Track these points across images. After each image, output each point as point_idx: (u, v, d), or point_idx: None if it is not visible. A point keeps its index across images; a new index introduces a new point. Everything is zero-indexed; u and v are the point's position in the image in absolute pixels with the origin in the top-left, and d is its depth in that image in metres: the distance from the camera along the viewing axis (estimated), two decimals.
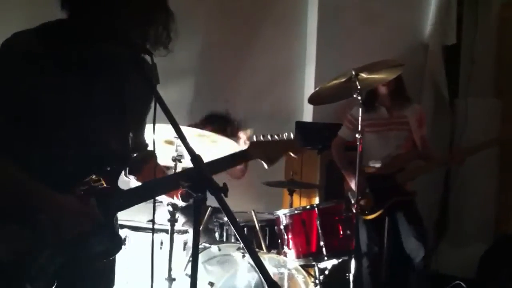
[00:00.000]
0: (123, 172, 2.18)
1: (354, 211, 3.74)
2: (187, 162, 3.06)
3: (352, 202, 3.95)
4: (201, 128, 4.09)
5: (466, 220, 5.75)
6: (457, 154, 4.50)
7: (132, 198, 2.04)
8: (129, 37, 1.85)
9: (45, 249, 1.85)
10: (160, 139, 3.10)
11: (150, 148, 2.24)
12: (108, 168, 1.99)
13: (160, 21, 1.89)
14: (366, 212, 4.25)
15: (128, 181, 2.24)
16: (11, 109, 1.84)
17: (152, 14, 1.88)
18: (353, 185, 4.19)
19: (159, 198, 2.23)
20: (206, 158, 1.79)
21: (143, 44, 1.86)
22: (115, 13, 1.83)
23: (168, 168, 3.07)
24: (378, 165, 4.34)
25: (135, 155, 2.17)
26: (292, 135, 2.47)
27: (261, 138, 2.43)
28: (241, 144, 3.84)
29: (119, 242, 2.02)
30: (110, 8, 1.83)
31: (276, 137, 2.44)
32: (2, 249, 1.82)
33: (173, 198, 2.25)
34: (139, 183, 2.22)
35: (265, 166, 2.42)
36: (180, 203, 2.29)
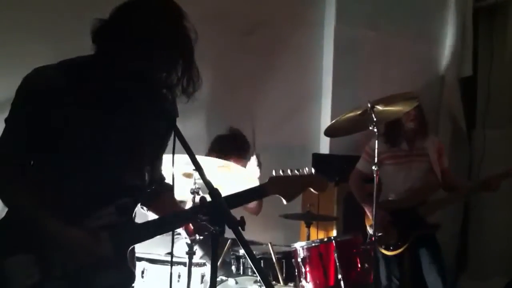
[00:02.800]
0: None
1: (375, 245, 3.71)
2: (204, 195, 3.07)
3: (373, 236, 3.93)
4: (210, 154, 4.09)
5: (486, 253, 5.68)
6: (492, 179, 4.38)
7: (146, 232, 2.05)
8: (151, 74, 1.88)
9: (53, 280, 1.86)
10: (179, 172, 3.12)
11: (168, 180, 2.26)
12: (122, 201, 2.01)
13: (183, 69, 1.91)
14: (391, 248, 4.22)
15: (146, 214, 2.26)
16: (29, 142, 1.88)
17: (176, 61, 1.90)
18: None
19: (177, 230, 2.23)
20: (225, 187, 1.80)
21: (165, 81, 1.89)
22: (139, 54, 1.86)
23: (182, 202, 3.07)
24: (397, 198, 4.32)
25: (151, 187, 2.18)
26: (313, 171, 2.43)
27: (281, 173, 2.38)
28: (251, 166, 3.83)
29: (130, 276, 2.02)
30: (134, 48, 1.86)
31: (296, 172, 2.40)
32: (15, 279, 1.84)
33: (190, 234, 2.24)
34: (154, 215, 2.24)
35: (284, 202, 2.37)
36: (186, 238, 2.29)
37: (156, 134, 2.09)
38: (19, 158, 1.90)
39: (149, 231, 2.05)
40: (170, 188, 2.19)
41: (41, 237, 1.87)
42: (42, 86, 1.88)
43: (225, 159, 3.58)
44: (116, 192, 2.00)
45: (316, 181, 2.43)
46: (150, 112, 2.01)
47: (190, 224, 2.17)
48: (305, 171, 2.42)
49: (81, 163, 1.93)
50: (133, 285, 2.07)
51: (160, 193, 2.23)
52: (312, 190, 2.44)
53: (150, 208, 2.25)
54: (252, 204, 4.22)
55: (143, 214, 2.23)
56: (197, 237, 2.25)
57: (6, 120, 1.92)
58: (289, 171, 2.39)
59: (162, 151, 2.17)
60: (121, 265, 1.99)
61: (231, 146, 4.18)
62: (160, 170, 2.24)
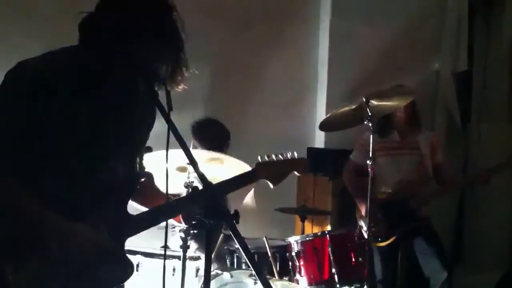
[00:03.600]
0: None
1: (366, 238, 3.72)
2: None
3: (365, 229, 3.94)
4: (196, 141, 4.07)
5: (481, 246, 5.69)
6: (484, 172, 4.39)
7: (142, 223, 2.06)
8: (143, 66, 1.88)
9: (57, 277, 1.85)
10: (173, 166, 3.12)
11: (162, 174, 2.26)
12: (118, 193, 2.01)
13: (173, 57, 1.91)
14: (379, 239, 4.23)
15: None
16: (21, 136, 1.84)
17: (166, 51, 1.90)
18: (364, 212, 4.17)
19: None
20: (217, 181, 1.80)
21: (156, 75, 1.89)
22: (129, 44, 1.86)
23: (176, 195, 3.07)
24: (389, 190, 4.33)
25: (142, 180, 2.19)
26: (296, 155, 2.52)
27: (266, 158, 2.48)
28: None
29: (131, 268, 2.03)
30: (124, 39, 1.86)
31: (280, 156, 2.50)
32: (17, 277, 1.83)
33: (179, 221, 2.27)
34: (135, 205, 2.24)
35: (271, 185, 2.47)
36: (183, 225, 2.31)
37: (145, 125, 2.11)
38: (11, 155, 1.84)
39: (145, 222, 2.06)
40: (151, 175, 2.21)
41: (39, 233, 1.84)
42: (29, 79, 1.84)
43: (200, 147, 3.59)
44: (112, 185, 2.00)
45: (298, 163, 2.54)
46: (140, 105, 2.01)
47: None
48: (288, 155, 2.52)
49: (75, 157, 1.91)
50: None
51: (145, 183, 2.23)
52: (295, 173, 2.53)
53: (135, 198, 2.24)
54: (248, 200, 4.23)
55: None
56: (192, 231, 2.26)
57: None
58: (273, 156, 2.49)
59: (145, 142, 2.19)
60: (120, 257, 2.00)
61: (207, 133, 4.15)
62: (142, 161, 2.24)
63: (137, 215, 2.09)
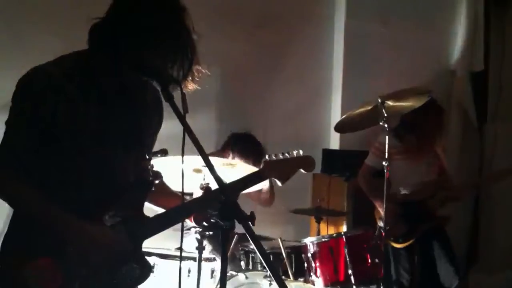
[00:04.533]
0: None
1: (385, 238, 3.71)
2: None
3: (383, 230, 3.93)
4: (222, 154, 4.10)
5: (496, 246, 5.65)
6: (490, 177, 4.41)
7: (158, 224, 2.08)
8: (156, 69, 1.88)
9: (78, 277, 1.86)
10: (189, 168, 3.13)
11: (169, 175, 2.27)
12: (131, 195, 2.02)
13: (186, 62, 1.92)
14: (400, 240, 4.21)
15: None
16: (35, 141, 1.87)
17: (178, 53, 1.91)
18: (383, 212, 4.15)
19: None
20: None
21: (170, 77, 1.89)
22: (141, 48, 1.87)
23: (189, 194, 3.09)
24: (407, 191, 4.32)
25: (157, 182, 2.20)
26: (301, 152, 2.53)
27: (273, 156, 2.49)
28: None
29: (148, 269, 2.05)
30: (136, 43, 1.87)
31: (287, 154, 2.51)
32: (38, 285, 1.84)
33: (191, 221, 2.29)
34: (152, 206, 2.25)
35: (279, 184, 2.49)
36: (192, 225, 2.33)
37: (153, 127, 2.14)
38: (25, 159, 1.87)
39: (161, 223, 2.09)
40: (160, 175, 2.22)
41: (60, 237, 1.86)
42: (43, 84, 1.86)
43: (238, 158, 3.61)
44: (127, 187, 2.01)
45: (305, 161, 2.55)
46: (149, 106, 2.03)
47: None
48: (294, 153, 2.53)
49: (90, 161, 1.94)
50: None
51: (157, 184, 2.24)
52: (302, 170, 2.55)
53: (150, 199, 2.25)
54: (265, 195, 4.22)
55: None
56: (207, 232, 2.27)
57: (7, 122, 1.90)
58: (280, 155, 2.50)
59: (154, 143, 2.22)
60: (139, 258, 2.02)
61: (247, 147, 4.19)
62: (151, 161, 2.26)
63: (154, 216, 2.10)
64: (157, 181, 2.18)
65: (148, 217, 2.08)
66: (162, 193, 2.22)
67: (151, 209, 2.23)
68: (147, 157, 2.14)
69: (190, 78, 1.95)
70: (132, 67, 1.89)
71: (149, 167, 2.14)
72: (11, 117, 1.90)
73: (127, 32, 1.86)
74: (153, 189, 2.17)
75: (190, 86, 1.96)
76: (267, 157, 2.49)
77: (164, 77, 1.87)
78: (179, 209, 2.13)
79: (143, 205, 2.10)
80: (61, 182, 1.92)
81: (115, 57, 1.89)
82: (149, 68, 1.87)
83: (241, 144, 4.25)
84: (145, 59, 1.88)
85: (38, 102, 1.86)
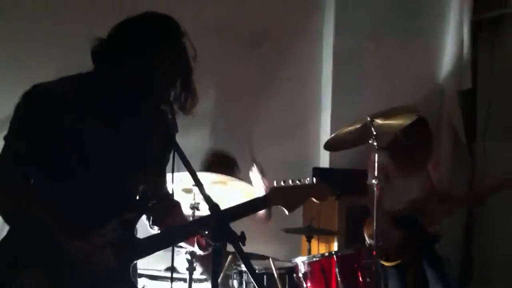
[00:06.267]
0: (147, 224, 2.19)
1: (372, 257, 3.70)
2: (204, 210, 3.06)
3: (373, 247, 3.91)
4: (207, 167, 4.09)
5: (491, 261, 5.64)
6: (478, 194, 4.43)
7: (149, 246, 2.05)
8: (154, 90, 1.88)
9: None
10: (179, 188, 3.12)
11: (174, 202, 2.25)
12: (128, 216, 2.01)
13: (182, 85, 1.93)
14: (389, 259, 4.20)
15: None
16: (31, 158, 1.88)
17: (175, 77, 1.92)
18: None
19: (187, 246, 2.23)
20: (221, 203, 1.79)
21: (164, 98, 1.90)
22: (141, 70, 1.88)
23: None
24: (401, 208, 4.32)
25: (153, 202, 2.17)
26: (314, 180, 2.44)
27: (282, 183, 2.40)
28: (254, 176, 3.79)
29: None
30: (136, 65, 1.88)
31: (297, 182, 2.41)
32: None
33: (193, 246, 2.24)
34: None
35: (286, 212, 2.39)
36: (199, 252, 2.28)
37: (157, 148, 2.10)
38: (21, 175, 1.89)
39: (152, 245, 2.06)
40: (178, 204, 2.19)
41: (48, 251, 1.86)
42: (44, 101, 1.89)
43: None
44: (121, 207, 2.01)
45: (317, 190, 2.45)
46: (151, 127, 2.02)
47: (202, 239, 2.18)
48: (306, 181, 2.43)
49: (85, 179, 1.93)
50: None
51: (171, 212, 2.21)
52: (313, 199, 2.45)
53: (162, 226, 2.23)
54: (261, 214, 4.19)
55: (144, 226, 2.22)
56: (201, 252, 2.24)
57: (5, 138, 1.92)
58: (290, 182, 2.40)
59: (164, 165, 2.17)
60: (125, 280, 1.99)
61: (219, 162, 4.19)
62: (165, 186, 2.23)
63: (146, 238, 2.08)
64: (153, 202, 2.16)
65: (138, 239, 2.06)
66: (177, 221, 2.18)
67: None
68: (148, 179, 2.11)
69: (187, 101, 1.94)
70: (132, 89, 1.90)
71: (150, 190, 2.11)
72: (10, 132, 1.92)
73: (127, 54, 1.89)
74: (158, 216, 2.17)
75: (190, 111, 1.96)
76: (275, 183, 2.40)
77: (158, 97, 1.88)
78: (172, 232, 2.11)
79: (134, 227, 2.08)
80: (54, 197, 1.92)
81: (117, 80, 1.91)
82: (147, 89, 1.89)
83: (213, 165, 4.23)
84: (143, 81, 1.89)
85: (39, 118, 1.88)
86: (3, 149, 1.91)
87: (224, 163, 4.20)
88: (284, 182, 2.40)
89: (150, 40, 1.89)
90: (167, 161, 2.12)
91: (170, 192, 2.07)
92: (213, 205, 1.73)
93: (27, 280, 1.84)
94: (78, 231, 1.89)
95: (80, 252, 1.87)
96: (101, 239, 1.94)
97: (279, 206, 2.38)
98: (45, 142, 1.87)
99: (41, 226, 1.87)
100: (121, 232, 1.99)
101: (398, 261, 4.21)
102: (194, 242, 2.22)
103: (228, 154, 4.36)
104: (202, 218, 2.15)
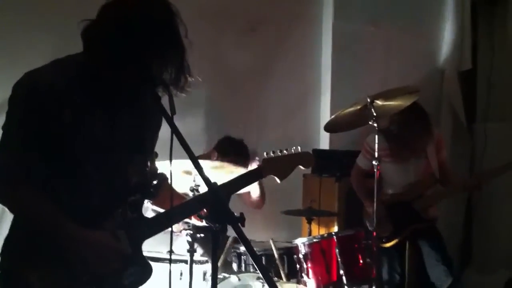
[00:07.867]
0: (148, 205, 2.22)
1: (372, 238, 3.71)
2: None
3: (370, 229, 3.93)
4: (215, 156, 4.11)
5: (491, 245, 5.67)
6: (476, 179, 4.42)
7: (157, 225, 2.08)
8: (147, 72, 1.88)
9: (81, 284, 1.87)
10: (179, 170, 3.13)
11: (163, 176, 2.28)
12: (132, 198, 2.02)
13: (176, 63, 1.92)
14: (384, 240, 4.22)
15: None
16: (35, 147, 1.86)
17: (169, 56, 1.90)
18: (370, 212, 4.15)
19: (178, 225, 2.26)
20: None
21: (159, 80, 1.89)
22: (133, 51, 1.86)
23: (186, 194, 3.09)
24: (394, 192, 4.32)
25: (154, 182, 2.20)
26: (299, 149, 2.53)
27: (272, 154, 2.50)
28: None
29: (150, 270, 2.07)
30: (128, 47, 1.85)
31: (285, 151, 2.52)
32: (43, 285, 1.84)
33: (198, 220, 2.29)
34: (155, 207, 2.26)
35: (278, 180, 2.49)
36: (198, 223, 2.32)
37: (153, 129, 2.14)
38: (23, 164, 1.86)
39: (160, 224, 2.09)
40: (165, 177, 2.24)
41: (61, 243, 1.86)
42: (40, 87, 1.86)
43: (223, 160, 3.62)
44: (126, 190, 2.02)
45: (303, 157, 2.55)
46: (148, 109, 2.02)
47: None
48: (292, 150, 2.53)
49: (88, 165, 1.93)
50: None
51: (162, 185, 2.26)
52: (301, 167, 2.54)
53: (156, 200, 2.28)
54: (255, 198, 4.22)
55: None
56: (198, 235, 2.27)
57: (3, 127, 1.90)
58: (278, 152, 2.51)
59: (155, 144, 2.21)
60: (140, 260, 2.04)
61: (233, 149, 4.21)
62: (154, 162, 2.26)
63: (153, 217, 2.12)
64: (154, 182, 2.19)
65: (146, 219, 2.09)
66: (167, 195, 2.21)
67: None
68: (147, 161, 2.14)
69: (181, 82, 1.93)
70: (126, 72, 1.88)
71: (149, 169, 2.15)
72: (8, 121, 1.89)
73: (118, 36, 1.84)
74: (153, 190, 2.20)
75: (183, 91, 1.95)
76: (265, 154, 2.49)
77: (153, 80, 1.87)
78: (178, 209, 2.13)
79: (141, 207, 2.10)
80: (60, 187, 1.92)
81: (109, 63, 1.88)
82: (141, 72, 1.87)
83: (227, 147, 4.25)
84: (137, 63, 1.87)
85: (36, 106, 1.85)
86: (3, 138, 1.89)
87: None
88: (273, 152, 2.51)
89: (141, 19, 1.85)
90: (157, 139, 2.19)
91: (168, 174, 2.08)
92: (211, 186, 1.75)
93: (43, 279, 1.84)
94: (88, 219, 1.90)
95: (93, 239, 1.88)
96: (112, 223, 1.96)
97: (271, 175, 2.47)
98: (45, 131, 1.85)
99: (51, 219, 1.86)
100: (130, 215, 2.02)
101: (392, 243, 4.23)
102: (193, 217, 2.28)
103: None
104: (201, 194, 2.18)
